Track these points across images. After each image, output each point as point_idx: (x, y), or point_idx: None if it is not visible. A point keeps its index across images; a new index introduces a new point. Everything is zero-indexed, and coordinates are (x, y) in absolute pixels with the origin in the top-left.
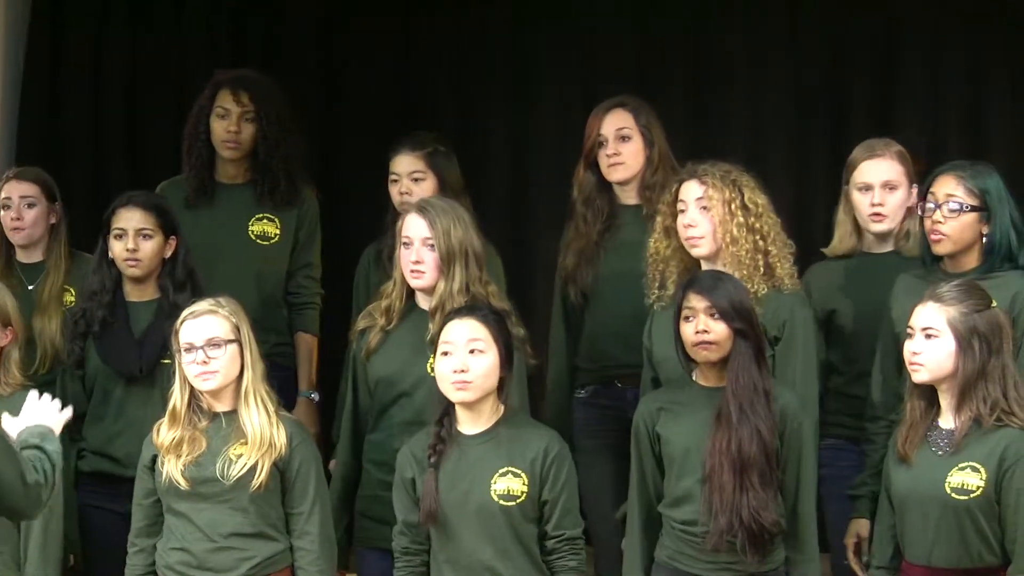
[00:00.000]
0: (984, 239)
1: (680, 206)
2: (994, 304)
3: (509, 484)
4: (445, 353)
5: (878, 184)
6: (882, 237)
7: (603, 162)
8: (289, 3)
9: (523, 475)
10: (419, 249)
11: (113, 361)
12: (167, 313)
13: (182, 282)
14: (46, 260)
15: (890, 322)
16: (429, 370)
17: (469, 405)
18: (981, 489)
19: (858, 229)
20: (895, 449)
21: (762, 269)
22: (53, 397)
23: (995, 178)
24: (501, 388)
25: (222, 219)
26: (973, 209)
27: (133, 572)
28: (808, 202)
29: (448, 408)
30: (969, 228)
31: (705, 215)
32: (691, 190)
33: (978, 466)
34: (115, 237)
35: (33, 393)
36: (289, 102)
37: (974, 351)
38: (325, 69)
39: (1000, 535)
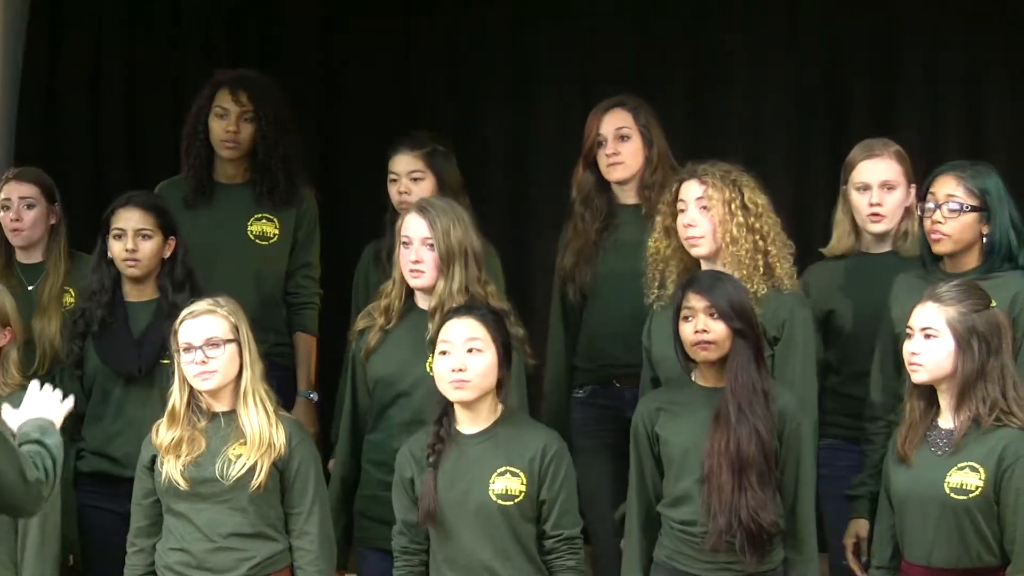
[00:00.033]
0: (984, 239)
1: (680, 206)
2: (993, 304)
3: (507, 484)
4: (443, 352)
5: (876, 184)
6: (880, 237)
7: (602, 162)
8: (289, 3)
9: (521, 474)
10: (418, 249)
11: (112, 361)
12: (166, 313)
13: (181, 282)
14: (46, 261)
15: (889, 322)
16: (428, 370)
17: (468, 404)
18: (980, 489)
19: (856, 229)
20: (895, 449)
21: (762, 269)
22: (54, 388)
23: (995, 178)
24: (500, 388)
25: (221, 219)
26: (973, 209)
27: (132, 572)
28: (808, 202)
29: (447, 408)
30: (969, 228)
31: (705, 215)
32: (691, 190)
33: (977, 466)
34: (114, 237)
35: (34, 384)
36: (288, 102)
37: (973, 351)
38: (325, 69)
39: (999, 535)
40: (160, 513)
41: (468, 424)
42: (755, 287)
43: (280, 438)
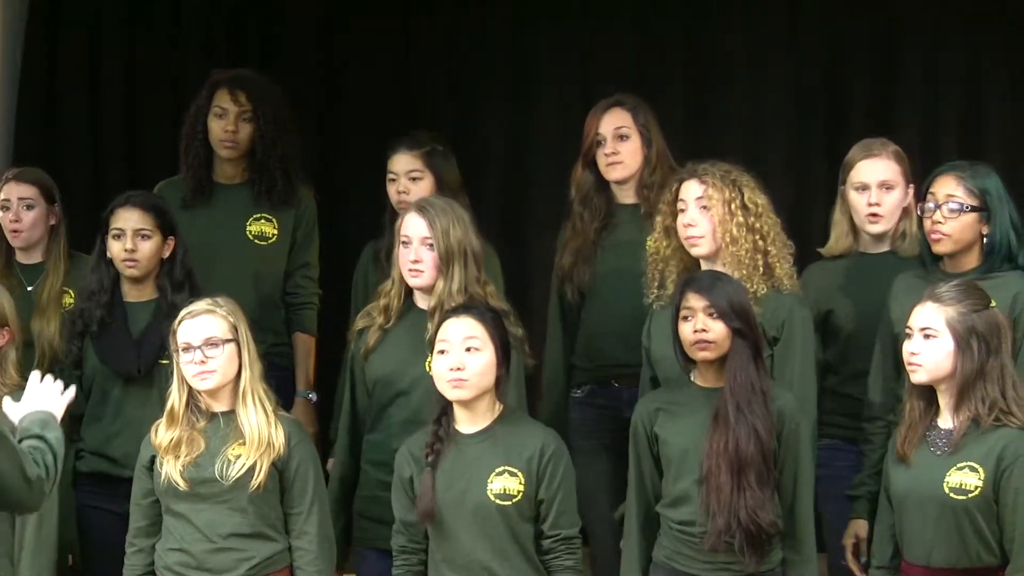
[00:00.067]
0: (984, 239)
1: (680, 205)
2: (993, 304)
3: (505, 483)
4: (442, 352)
5: (875, 184)
6: (878, 237)
7: (601, 161)
8: (289, 3)
9: (519, 474)
10: (418, 248)
11: (111, 361)
12: (165, 313)
13: (180, 282)
14: (45, 262)
15: (889, 322)
16: (427, 369)
17: (466, 403)
18: (979, 489)
19: (854, 229)
20: (894, 449)
21: (761, 269)
22: (55, 379)
23: (994, 178)
24: (499, 387)
25: (220, 219)
26: (973, 209)
27: (131, 572)
28: (808, 202)
29: (446, 407)
30: (969, 228)
31: (705, 214)
32: (691, 189)
33: (976, 466)
34: (113, 237)
35: (35, 375)
36: (286, 102)
37: (972, 351)
38: (325, 69)
39: (999, 535)
40: (159, 513)
41: (467, 423)
42: (755, 287)
43: (279, 438)
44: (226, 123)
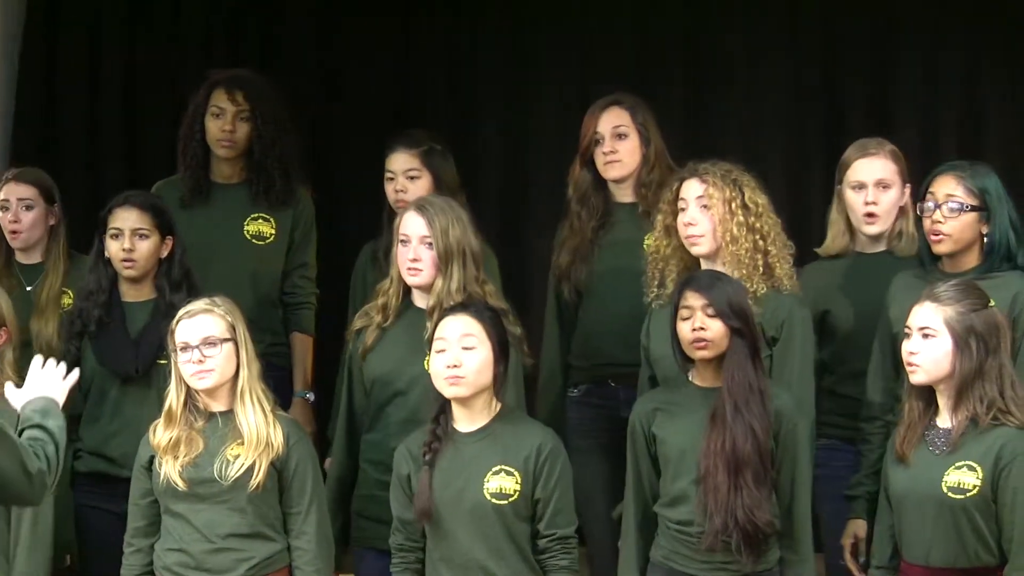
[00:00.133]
0: (984, 239)
1: (681, 204)
2: (991, 304)
3: (502, 483)
4: (439, 350)
5: (872, 183)
6: (875, 237)
7: (599, 160)
8: (288, 3)
9: (516, 473)
10: (417, 247)
11: (109, 361)
12: (163, 313)
13: (178, 282)
14: (45, 262)
15: (888, 322)
16: (425, 368)
17: (464, 402)
18: (977, 488)
19: (851, 229)
20: (893, 449)
21: (761, 269)
22: (58, 362)
23: (994, 178)
24: (496, 385)
25: (217, 219)
26: (973, 209)
27: (129, 572)
28: (807, 202)
29: (444, 406)
30: (969, 228)
31: (705, 214)
32: (692, 188)
33: (974, 465)
34: (111, 236)
35: (37, 359)
36: (284, 102)
37: (971, 351)
38: (324, 69)
39: (997, 534)
40: (158, 513)
41: (465, 422)
42: (755, 287)
43: (278, 437)
44: (223, 123)
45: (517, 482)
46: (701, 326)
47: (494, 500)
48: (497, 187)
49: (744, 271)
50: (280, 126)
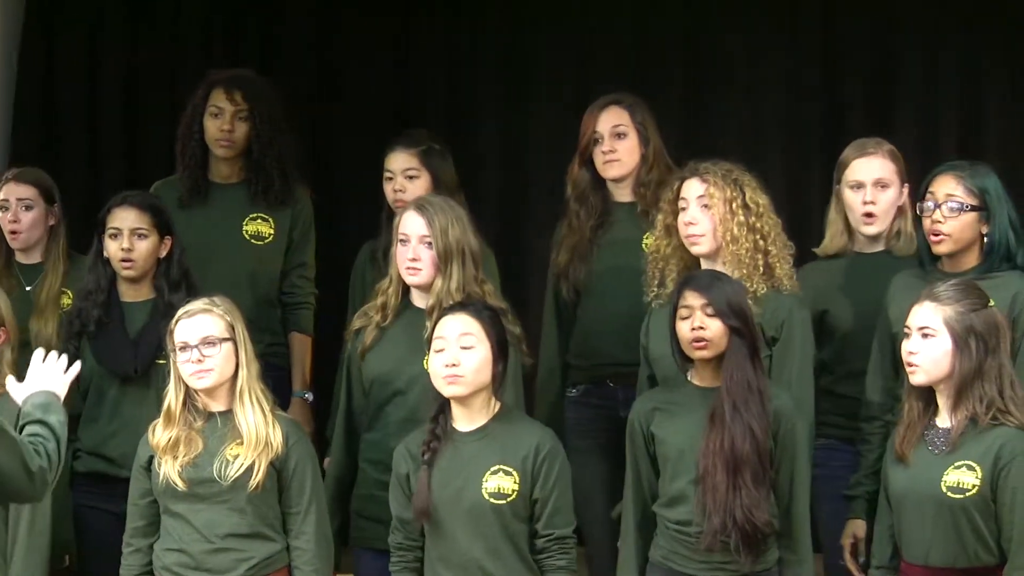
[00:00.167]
0: (984, 239)
1: (681, 204)
2: (991, 304)
3: (500, 482)
4: (439, 349)
5: (870, 182)
6: (874, 237)
7: (598, 159)
8: (288, 3)
9: (514, 473)
10: (416, 247)
11: (108, 361)
12: (162, 313)
13: (177, 282)
14: (45, 262)
15: (887, 322)
16: (425, 368)
17: (463, 401)
18: (977, 488)
19: (849, 228)
20: (893, 449)
21: (761, 269)
22: (59, 355)
23: (993, 178)
24: (495, 384)
25: (216, 219)
26: (973, 209)
27: (128, 572)
28: (806, 202)
29: (443, 405)
30: (969, 228)
31: (706, 213)
32: (692, 188)
33: (974, 465)
34: (110, 236)
35: (38, 352)
36: (282, 101)
37: (970, 350)
38: (324, 69)
39: (996, 533)
40: (157, 513)
41: (464, 421)
42: (755, 287)
43: (277, 437)
44: (222, 122)
45: (515, 482)
46: (700, 326)
47: (492, 500)
48: (496, 187)
49: (744, 271)
50: (278, 126)
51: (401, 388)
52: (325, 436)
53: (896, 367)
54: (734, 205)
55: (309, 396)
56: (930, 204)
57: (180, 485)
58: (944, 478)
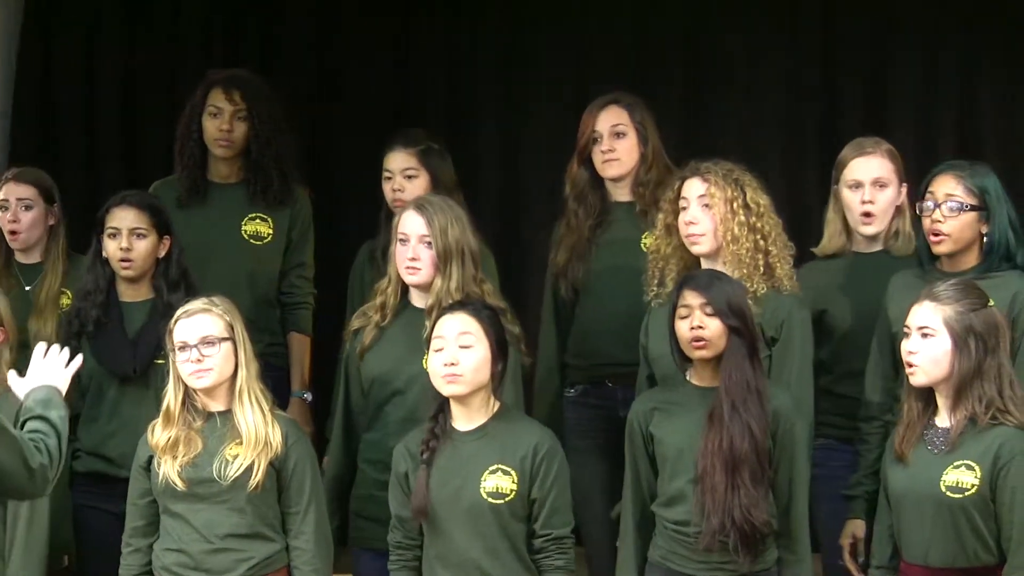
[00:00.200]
0: (983, 239)
1: (682, 203)
2: (991, 303)
3: (499, 482)
4: (438, 349)
5: (868, 182)
6: (872, 236)
7: (597, 158)
8: (288, 3)
9: (513, 473)
10: (416, 246)
11: (107, 361)
12: (161, 313)
13: (176, 282)
14: (44, 262)
15: (886, 321)
16: (424, 367)
17: (462, 400)
18: (976, 487)
19: (847, 228)
20: (892, 449)
21: (762, 269)
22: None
23: (993, 178)
24: (494, 384)
25: (215, 219)
26: (973, 208)
27: (128, 572)
28: (806, 202)
29: (443, 404)
30: (969, 227)
31: (707, 213)
32: (693, 187)
33: (973, 464)
34: (109, 236)
35: (40, 347)
36: (281, 101)
37: (970, 350)
38: (324, 69)
39: (996, 533)
40: (156, 513)
41: (463, 421)
42: (755, 287)
43: (276, 437)
44: (221, 122)
45: (514, 481)
46: (699, 325)
47: (491, 499)
48: (496, 186)
49: (744, 271)
50: (277, 126)
51: (400, 388)
52: (324, 436)
53: (895, 367)
54: (735, 205)
55: (308, 396)
56: (930, 204)
57: (179, 485)
58: (943, 478)
